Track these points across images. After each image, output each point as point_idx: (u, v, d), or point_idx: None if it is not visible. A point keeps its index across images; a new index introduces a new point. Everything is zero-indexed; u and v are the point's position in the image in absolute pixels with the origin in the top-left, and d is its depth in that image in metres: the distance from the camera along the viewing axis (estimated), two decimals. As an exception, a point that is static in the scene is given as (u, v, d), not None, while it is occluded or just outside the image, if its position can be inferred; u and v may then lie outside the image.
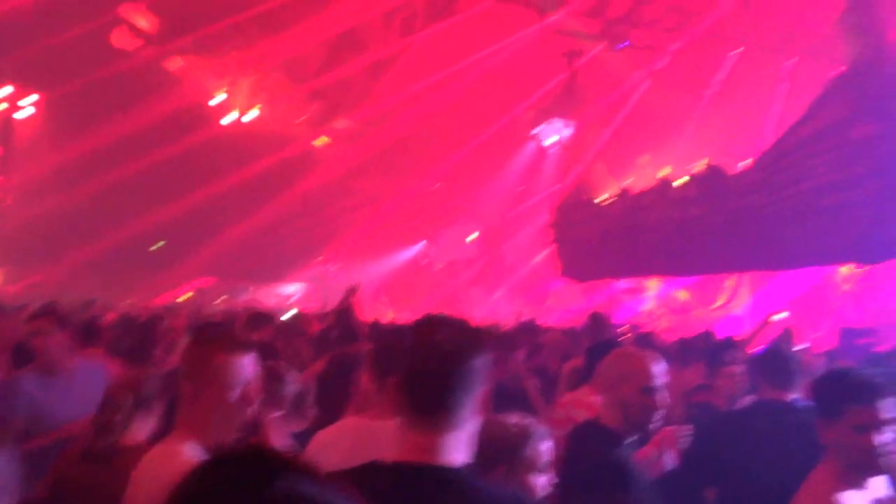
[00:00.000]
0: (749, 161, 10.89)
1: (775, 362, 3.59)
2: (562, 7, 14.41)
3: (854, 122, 8.71)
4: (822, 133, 9.10)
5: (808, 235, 9.23)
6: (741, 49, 16.40)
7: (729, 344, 5.43)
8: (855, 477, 2.35)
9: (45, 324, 3.93)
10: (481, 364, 1.55)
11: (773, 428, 3.23)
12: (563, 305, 20.57)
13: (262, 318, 5.74)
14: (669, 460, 3.20)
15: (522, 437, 2.18)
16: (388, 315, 17.92)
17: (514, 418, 2.26)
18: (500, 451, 2.11)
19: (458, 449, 1.51)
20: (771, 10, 14.44)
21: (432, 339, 1.55)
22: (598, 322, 6.36)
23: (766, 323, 7.66)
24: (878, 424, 2.29)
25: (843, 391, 2.39)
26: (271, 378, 3.17)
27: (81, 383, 3.82)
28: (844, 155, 8.81)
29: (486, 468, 1.94)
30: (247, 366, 2.06)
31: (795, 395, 3.44)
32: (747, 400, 4.07)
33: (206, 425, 2.00)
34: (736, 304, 18.26)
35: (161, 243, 19.05)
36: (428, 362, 1.53)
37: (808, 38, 14.38)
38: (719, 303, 18.55)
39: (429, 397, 1.52)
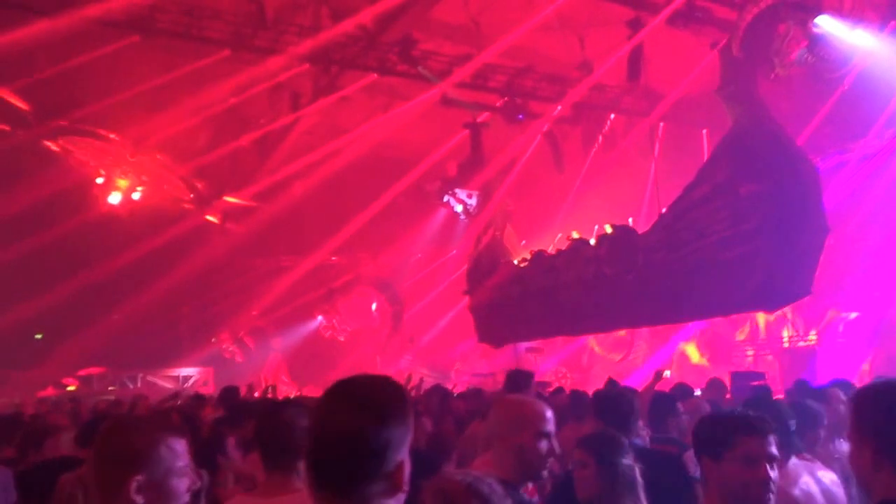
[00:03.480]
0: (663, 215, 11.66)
1: (611, 405, 3.74)
2: (447, 79, 15.02)
3: (742, 180, 9.55)
4: (716, 192, 9.92)
5: (713, 287, 9.89)
6: (613, 116, 17.61)
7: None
8: None
9: None
10: (393, 434, 1.43)
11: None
12: (471, 368, 20.74)
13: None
14: None
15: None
16: (291, 392, 17.46)
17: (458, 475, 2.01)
18: None
19: None
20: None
21: (329, 415, 1.46)
22: (515, 380, 6.00)
23: (657, 378, 7.98)
24: (768, 457, 2.33)
25: (736, 424, 2.41)
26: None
27: None
28: (737, 211, 9.60)
29: None
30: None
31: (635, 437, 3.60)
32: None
33: None
34: (636, 357, 19.00)
35: (39, 336, 17.95)
36: (328, 438, 1.43)
37: (672, 104, 15.61)
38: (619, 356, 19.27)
39: (333, 475, 1.42)
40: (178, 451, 1.93)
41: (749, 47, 10.42)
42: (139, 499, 1.83)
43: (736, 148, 9.92)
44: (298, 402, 3.28)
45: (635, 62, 12.99)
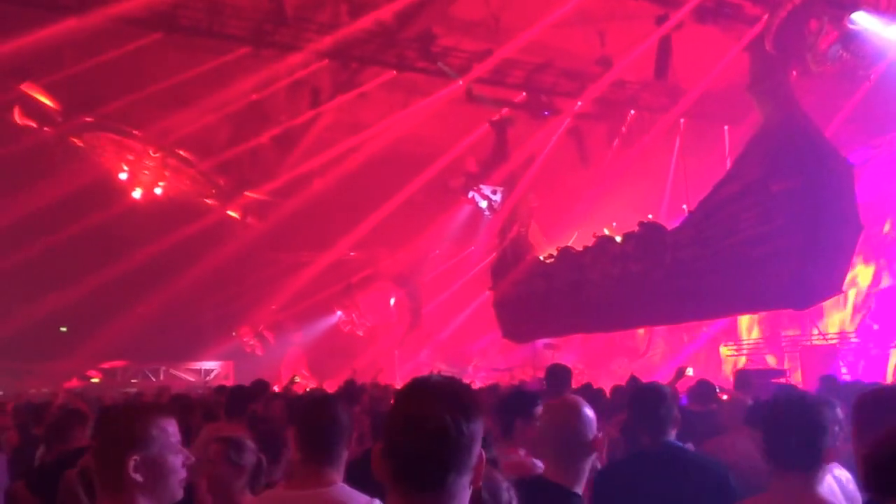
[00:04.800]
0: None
1: (649, 408, 3.61)
2: (466, 75, 15.01)
3: (773, 177, 9.49)
4: (747, 189, 9.89)
5: (741, 285, 9.86)
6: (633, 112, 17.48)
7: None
8: None
9: None
10: (478, 428, 1.47)
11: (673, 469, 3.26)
12: (489, 364, 20.77)
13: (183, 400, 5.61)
14: None
15: None
16: (310, 386, 17.59)
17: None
18: None
19: None
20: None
21: (419, 410, 1.44)
22: (556, 375, 5.91)
23: (679, 375, 7.99)
24: None
25: None
26: (231, 447, 3.17)
27: None
28: (768, 208, 9.58)
29: None
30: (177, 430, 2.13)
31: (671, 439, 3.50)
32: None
33: (161, 495, 2.01)
34: (654, 354, 18.93)
35: (64, 329, 18.24)
36: (422, 434, 1.42)
37: (694, 99, 15.48)
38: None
39: (426, 470, 1.42)
40: (169, 430, 2.07)
41: (782, 43, 10.33)
42: (138, 476, 1.98)
43: (767, 145, 9.86)
44: (337, 398, 3.34)
45: (663, 59, 12.87)
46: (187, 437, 3.90)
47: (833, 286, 9.51)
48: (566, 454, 2.58)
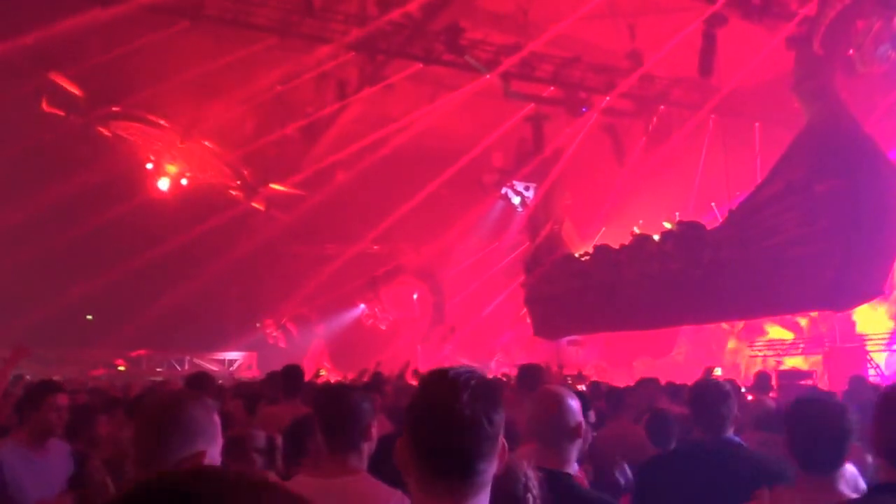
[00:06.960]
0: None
1: (706, 403, 3.55)
2: (494, 69, 14.88)
3: (817, 178, 9.36)
4: (789, 189, 9.75)
5: (781, 285, 9.75)
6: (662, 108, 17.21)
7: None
8: None
9: None
10: (502, 417, 1.50)
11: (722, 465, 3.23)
12: (512, 360, 20.66)
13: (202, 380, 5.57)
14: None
15: None
16: (331, 378, 17.61)
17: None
18: None
19: None
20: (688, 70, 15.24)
21: (449, 402, 1.45)
22: (528, 375, 5.80)
23: (708, 375, 7.85)
24: None
25: None
26: (228, 443, 3.20)
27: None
28: (810, 209, 9.47)
29: None
30: None
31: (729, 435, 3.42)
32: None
33: None
34: (679, 353, 18.70)
35: (90, 317, 18.46)
36: (448, 427, 1.44)
37: (726, 97, 15.20)
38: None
39: (452, 463, 1.44)
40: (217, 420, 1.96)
41: (829, 44, 10.12)
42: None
43: (811, 145, 9.71)
44: (359, 387, 3.32)
45: (708, 57, 12.63)
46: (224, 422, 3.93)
47: (874, 288, 9.36)
48: (552, 440, 2.70)
